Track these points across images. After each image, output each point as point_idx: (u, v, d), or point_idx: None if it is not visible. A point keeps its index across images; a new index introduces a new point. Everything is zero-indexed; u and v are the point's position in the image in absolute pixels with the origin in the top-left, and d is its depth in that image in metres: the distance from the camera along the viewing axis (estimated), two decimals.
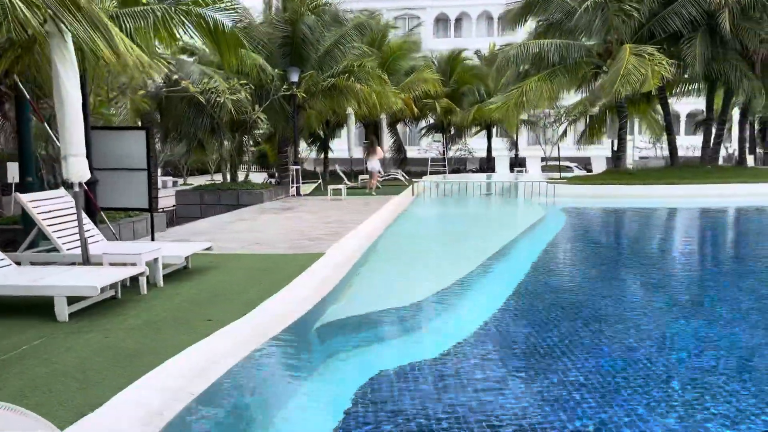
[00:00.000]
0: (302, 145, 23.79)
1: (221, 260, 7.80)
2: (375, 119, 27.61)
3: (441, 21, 50.09)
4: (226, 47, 8.49)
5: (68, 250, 6.75)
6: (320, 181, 20.17)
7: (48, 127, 7.79)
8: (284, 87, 17.28)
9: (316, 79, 18.14)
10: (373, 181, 19.94)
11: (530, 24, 24.04)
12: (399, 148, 32.80)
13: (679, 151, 36.73)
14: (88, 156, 8.85)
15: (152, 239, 8.51)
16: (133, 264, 6.14)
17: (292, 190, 18.44)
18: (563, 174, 28.76)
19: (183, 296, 6.01)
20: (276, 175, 22.96)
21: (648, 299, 7.25)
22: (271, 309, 5.40)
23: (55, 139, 8.07)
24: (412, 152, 35.32)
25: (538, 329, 5.70)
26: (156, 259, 6.41)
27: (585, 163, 33.48)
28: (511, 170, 29.38)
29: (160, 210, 15.03)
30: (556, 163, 32.05)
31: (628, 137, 28.74)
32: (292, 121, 18.30)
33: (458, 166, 36.18)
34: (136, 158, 8.29)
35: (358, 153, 25.29)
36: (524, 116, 30.26)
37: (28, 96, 7.53)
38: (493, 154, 32.54)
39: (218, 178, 27.85)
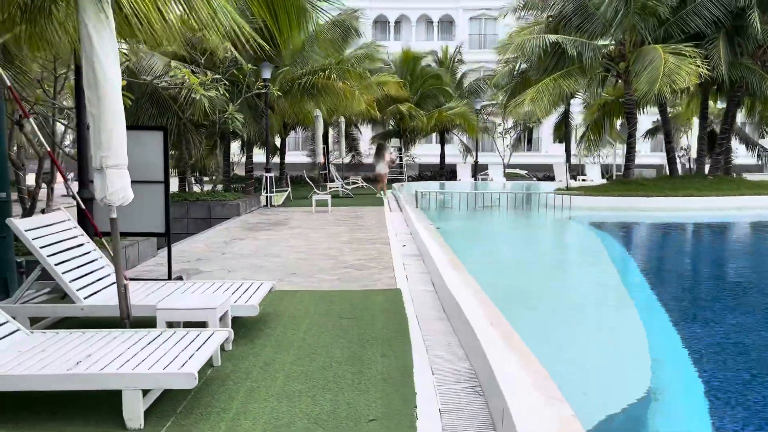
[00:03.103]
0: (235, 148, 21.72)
1: (272, 301, 6.01)
2: (330, 122, 25.91)
3: (379, 23, 48.83)
4: (286, 18, 6.34)
5: (86, 299, 4.80)
6: (289, 189, 18.24)
7: (32, 125, 5.70)
8: (259, 84, 15.30)
9: (291, 75, 16.27)
10: (381, 184, 19.61)
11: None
12: (356, 153, 31.21)
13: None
14: (84, 164, 6.85)
15: (169, 277, 6.55)
16: (203, 324, 4.31)
17: (263, 200, 16.44)
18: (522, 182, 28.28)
19: (280, 369, 4.22)
20: (201, 181, 21.05)
21: None
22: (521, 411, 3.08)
23: (42, 140, 5.98)
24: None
25: None
26: (225, 313, 4.61)
27: (534, 170, 33.25)
28: (474, 177, 28.47)
29: None
30: (514, 171, 31.64)
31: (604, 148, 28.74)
32: (264, 121, 16.32)
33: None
34: (149, 167, 6.30)
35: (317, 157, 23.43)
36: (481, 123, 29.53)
37: (9, 81, 5.43)
38: (446, 160, 31.61)
39: None
